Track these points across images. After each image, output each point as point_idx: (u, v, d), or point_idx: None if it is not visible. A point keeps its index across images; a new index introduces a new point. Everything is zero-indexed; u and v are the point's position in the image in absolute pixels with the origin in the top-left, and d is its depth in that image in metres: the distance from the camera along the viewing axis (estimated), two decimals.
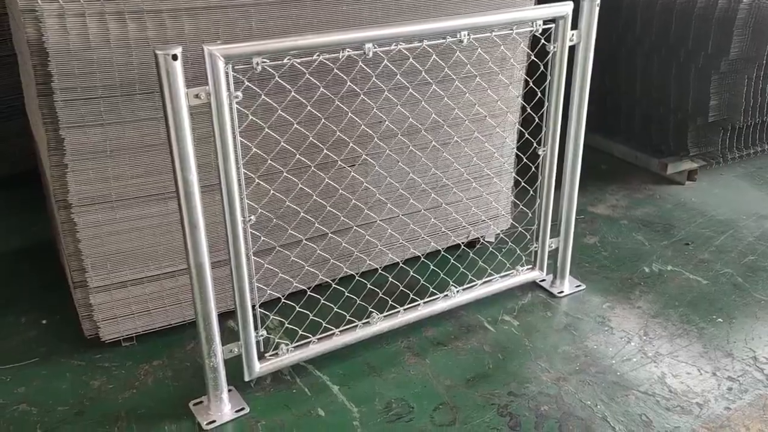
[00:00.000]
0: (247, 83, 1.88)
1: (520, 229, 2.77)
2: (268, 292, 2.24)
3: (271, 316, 2.27)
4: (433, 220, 2.73)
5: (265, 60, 1.84)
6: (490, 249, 2.80)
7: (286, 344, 2.24)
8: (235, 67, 1.82)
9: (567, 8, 2.32)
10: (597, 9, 2.37)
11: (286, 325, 2.32)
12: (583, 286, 2.80)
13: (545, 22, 2.31)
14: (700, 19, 3.41)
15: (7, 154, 3.60)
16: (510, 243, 2.80)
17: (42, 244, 3.12)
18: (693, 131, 3.66)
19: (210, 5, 2.11)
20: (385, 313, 2.41)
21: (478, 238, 3.03)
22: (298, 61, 1.91)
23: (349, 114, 2.22)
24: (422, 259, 2.58)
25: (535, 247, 2.70)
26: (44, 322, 2.61)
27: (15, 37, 2.69)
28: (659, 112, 3.78)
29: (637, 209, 3.48)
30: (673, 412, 2.15)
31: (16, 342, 2.50)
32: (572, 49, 2.41)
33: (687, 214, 3.42)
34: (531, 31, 2.31)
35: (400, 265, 2.55)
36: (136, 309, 2.39)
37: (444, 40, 2.13)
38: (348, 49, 1.96)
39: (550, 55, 2.39)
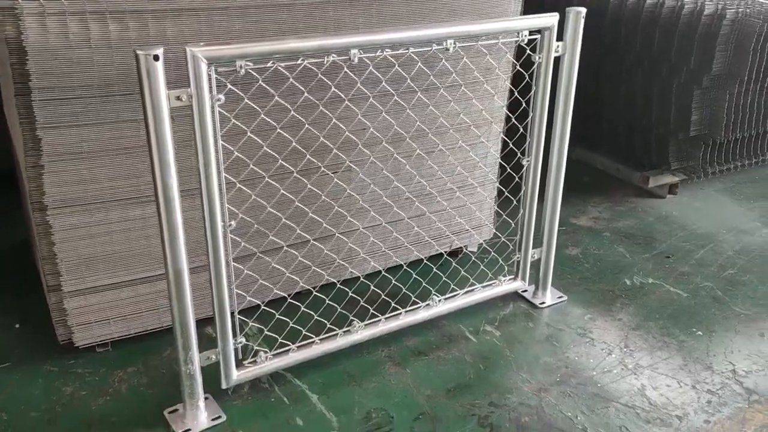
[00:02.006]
0: (229, 86, 1.86)
1: (503, 239, 2.77)
2: (248, 298, 2.20)
3: (250, 323, 2.24)
4: (416, 228, 2.71)
5: (248, 63, 1.81)
6: (473, 259, 2.79)
7: (265, 352, 2.20)
8: (218, 70, 1.79)
9: (553, 20, 2.32)
10: (582, 21, 2.37)
11: (266, 332, 2.29)
12: (565, 298, 2.80)
13: (531, 32, 2.31)
14: (683, 34, 3.45)
15: None
16: (492, 253, 2.80)
17: (18, 244, 3.06)
18: (674, 145, 3.69)
19: (194, 7, 2.09)
20: (366, 322, 2.39)
21: (461, 247, 3.02)
22: (283, 65, 1.89)
23: (333, 119, 2.20)
24: (404, 267, 2.56)
25: (518, 258, 2.70)
26: (17, 326, 2.55)
27: None
28: (641, 126, 3.81)
29: (619, 221, 3.49)
30: (653, 425, 2.14)
31: None
32: (557, 61, 2.42)
33: (668, 227, 3.44)
34: (517, 41, 2.31)
35: (383, 273, 2.53)
36: (111, 314, 2.34)
37: (430, 48, 2.12)
38: (333, 55, 1.94)
39: (536, 65, 2.39)
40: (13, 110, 2.28)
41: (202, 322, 2.29)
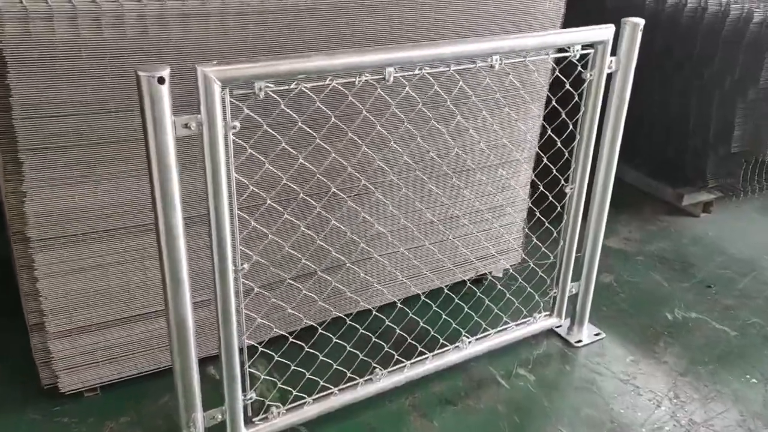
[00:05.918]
0: (247, 111, 1.58)
1: (531, 263, 2.51)
2: (260, 350, 1.92)
3: (262, 377, 1.97)
4: (438, 255, 2.43)
5: (269, 84, 1.53)
6: (498, 286, 2.54)
7: (277, 407, 1.94)
8: (233, 92, 1.51)
9: (608, 33, 2.05)
10: (640, 34, 2.11)
11: (279, 385, 2.02)
12: (603, 335, 2.54)
13: (583, 47, 2.04)
14: (728, 41, 3.17)
15: None
16: (520, 280, 2.54)
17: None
18: (713, 161, 3.43)
19: (203, 12, 1.80)
20: (390, 369, 2.13)
21: (486, 273, 2.76)
22: (308, 86, 1.61)
23: (363, 147, 1.91)
24: (423, 298, 2.30)
25: (555, 293, 2.44)
26: None
27: None
28: (677, 138, 3.54)
29: (652, 243, 3.24)
30: None
31: None
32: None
33: (705, 250, 3.19)
34: (567, 57, 2.04)
35: (397, 305, 2.27)
36: (101, 356, 2.07)
37: (474, 65, 1.84)
38: (366, 74, 1.67)
39: (586, 83, 2.12)
40: None
41: (205, 361, 2.03)
